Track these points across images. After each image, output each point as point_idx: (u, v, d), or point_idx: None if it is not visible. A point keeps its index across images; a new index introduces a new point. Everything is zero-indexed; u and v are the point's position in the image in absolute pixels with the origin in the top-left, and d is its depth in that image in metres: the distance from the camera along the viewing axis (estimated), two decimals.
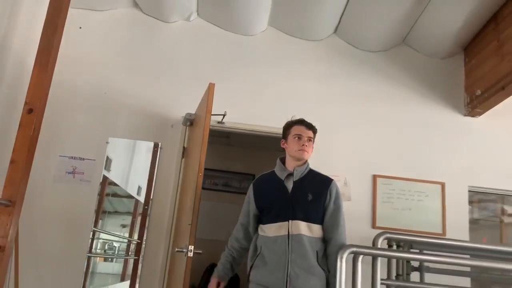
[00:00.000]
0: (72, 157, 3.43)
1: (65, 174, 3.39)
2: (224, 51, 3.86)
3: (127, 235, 4.61)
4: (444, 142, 3.83)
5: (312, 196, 2.38)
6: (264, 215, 2.43)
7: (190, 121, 3.49)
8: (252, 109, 3.72)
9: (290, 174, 2.45)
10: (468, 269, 3.23)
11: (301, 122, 2.53)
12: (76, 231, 3.33)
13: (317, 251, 2.31)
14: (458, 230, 3.61)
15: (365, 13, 3.71)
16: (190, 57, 3.81)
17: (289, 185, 2.42)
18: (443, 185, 3.70)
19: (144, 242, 3.49)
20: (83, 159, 3.44)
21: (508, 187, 3.80)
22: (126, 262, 4.63)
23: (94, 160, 3.46)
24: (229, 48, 3.88)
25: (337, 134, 3.73)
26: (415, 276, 3.15)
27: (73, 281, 3.25)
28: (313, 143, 2.52)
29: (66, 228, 3.32)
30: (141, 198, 4.12)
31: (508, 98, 3.54)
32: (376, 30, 3.86)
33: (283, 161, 2.53)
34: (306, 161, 2.50)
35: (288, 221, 2.33)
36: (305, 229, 2.32)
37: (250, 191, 2.54)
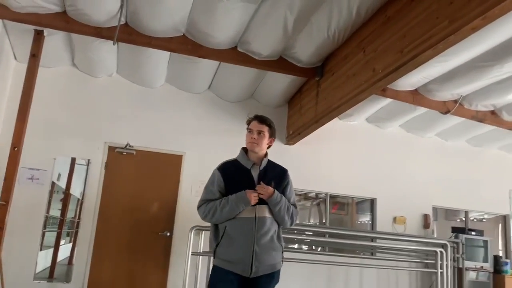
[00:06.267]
0: (31, 168, 5.28)
1: (26, 180, 5.24)
2: (134, 98, 5.88)
3: None
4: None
5: (274, 184, 2.76)
6: None
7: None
8: (152, 137, 5.81)
9: (254, 164, 2.81)
10: None
11: (254, 117, 2.90)
12: (34, 216, 5.24)
13: (275, 230, 2.77)
14: None
15: (227, 78, 5.91)
16: (111, 102, 5.77)
17: (255, 174, 2.78)
18: None
19: (80, 221, 5.46)
20: (39, 169, 5.32)
21: (308, 188, 6.41)
22: (43, 234, 6.07)
23: (46, 170, 5.36)
24: (138, 96, 5.90)
25: (208, 153, 5.88)
26: None
27: (32, 246, 5.19)
28: (268, 136, 2.86)
29: (28, 214, 5.20)
30: (62, 184, 5.96)
31: (308, 136, 6.02)
32: (234, 88, 6.12)
33: (245, 151, 2.88)
34: (267, 153, 2.88)
35: (256, 206, 2.69)
36: (268, 212, 2.73)
37: (218, 175, 2.81)
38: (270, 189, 2.72)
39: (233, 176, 2.79)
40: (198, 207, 2.85)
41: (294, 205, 2.91)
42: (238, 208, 2.68)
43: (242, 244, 2.66)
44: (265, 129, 2.86)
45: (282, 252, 2.83)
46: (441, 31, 3.29)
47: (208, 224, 2.89)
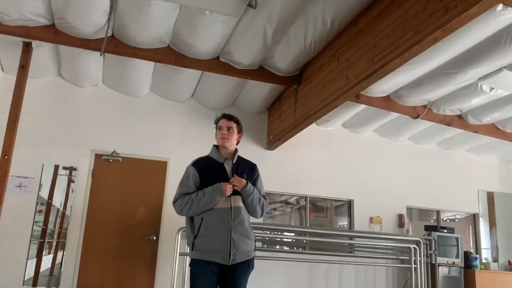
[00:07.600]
0: (19, 176, 5.39)
1: (14, 187, 5.34)
2: (119, 107, 6.06)
3: None
4: None
5: (246, 177, 2.98)
6: None
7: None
8: (137, 144, 5.99)
9: (227, 158, 3.02)
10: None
11: (222, 116, 3.14)
12: (22, 223, 5.35)
13: (248, 219, 2.98)
14: None
15: (210, 86, 6.16)
16: (96, 110, 5.94)
17: (228, 168, 2.99)
18: None
19: (68, 230, 5.58)
20: (26, 177, 5.43)
21: (287, 191, 6.69)
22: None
23: (33, 178, 5.48)
24: (123, 105, 6.08)
25: (191, 158, 6.10)
26: None
27: (21, 253, 5.29)
28: (237, 132, 3.08)
29: (16, 221, 5.30)
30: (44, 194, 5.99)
31: (287, 141, 6.31)
32: (216, 96, 6.37)
33: (217, 147, 3.10)
34: (237, 149, 3.09)
35: (230, 196, 2.89)
36: (242, 202, 2.94)
37: (193, 170, 3.00)
38: (244, 181, 2.94)
39: (208, 171, 2.98)
40: (174, 201, 3.02)
41: (264, 197, 3.12)
42: (214, 199, 2.86)
43: (220, 233, 2.83)
44: (234, 125, 3.08)
45: (255, 242, 3.03)
46: (406, 42, 3.63)
47: None
